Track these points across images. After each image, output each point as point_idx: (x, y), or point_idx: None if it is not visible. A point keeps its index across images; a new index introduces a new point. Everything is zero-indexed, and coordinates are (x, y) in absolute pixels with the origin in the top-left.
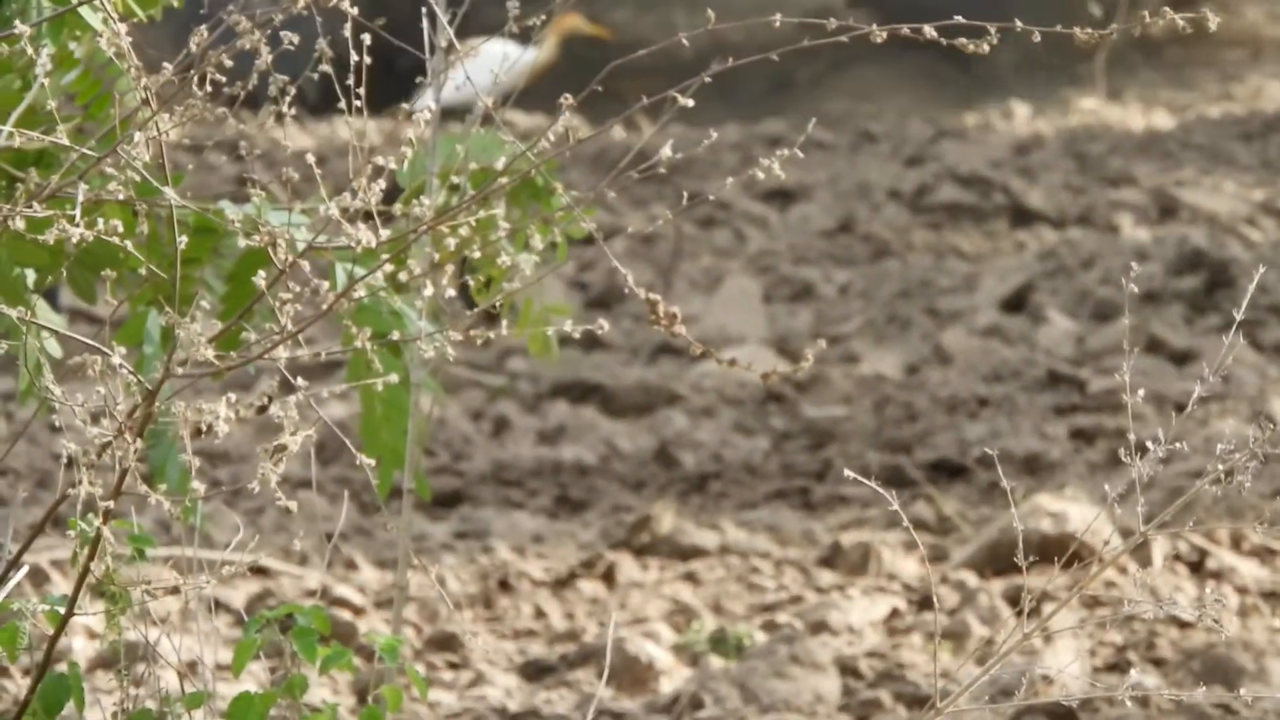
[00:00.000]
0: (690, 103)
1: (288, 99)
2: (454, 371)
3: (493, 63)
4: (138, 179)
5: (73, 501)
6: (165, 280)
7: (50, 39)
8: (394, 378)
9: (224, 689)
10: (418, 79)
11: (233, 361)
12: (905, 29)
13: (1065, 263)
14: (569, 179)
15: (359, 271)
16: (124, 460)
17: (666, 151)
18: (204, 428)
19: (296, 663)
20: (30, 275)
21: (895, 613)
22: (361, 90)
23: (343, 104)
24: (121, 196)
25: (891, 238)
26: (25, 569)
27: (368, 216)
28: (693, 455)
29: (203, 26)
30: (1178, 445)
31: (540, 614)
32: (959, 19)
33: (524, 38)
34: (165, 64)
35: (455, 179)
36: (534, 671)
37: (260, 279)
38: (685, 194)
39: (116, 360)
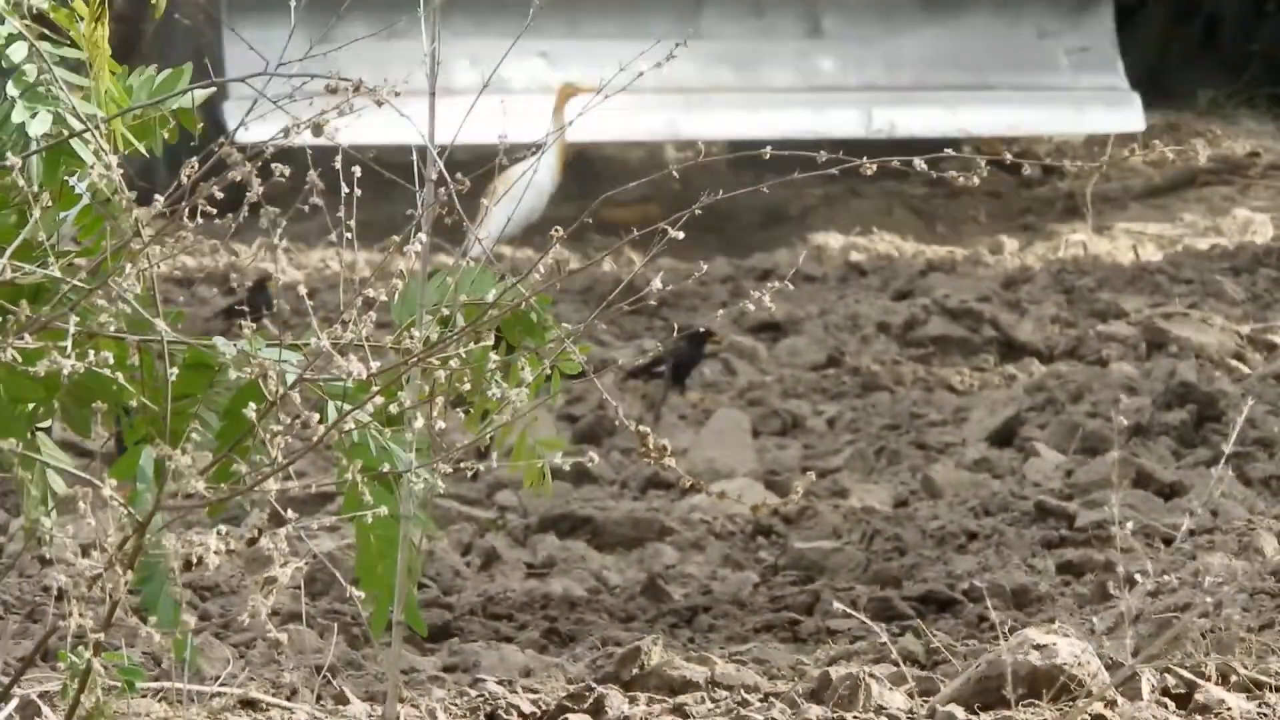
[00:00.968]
0: (680, 235)
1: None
2: (443, 504)
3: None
4: (129, 311)
5: (63, 634)
6: (158, 413)
7: (46, 179)
8: (384, 510)
9: None
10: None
11: (223, 494)
12: (895, 161)
13: (1054, 396)
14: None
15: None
16: (114, 593)
17: (657, 284)
18: (194, 560)
19: None
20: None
21: None
22: (352, 222)
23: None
24: (113, 329)
25: (881, 371)
26: (15, 701)
27: (359, 349)
28: (682, 588)
29: (193, 159)
30: (1166, 579)
31: None
32: (949, 152)
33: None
34: (157, 196)
35: (446, 311)
36: None
37: (251, 411)
38: (675, 326)
39: (107, 492)
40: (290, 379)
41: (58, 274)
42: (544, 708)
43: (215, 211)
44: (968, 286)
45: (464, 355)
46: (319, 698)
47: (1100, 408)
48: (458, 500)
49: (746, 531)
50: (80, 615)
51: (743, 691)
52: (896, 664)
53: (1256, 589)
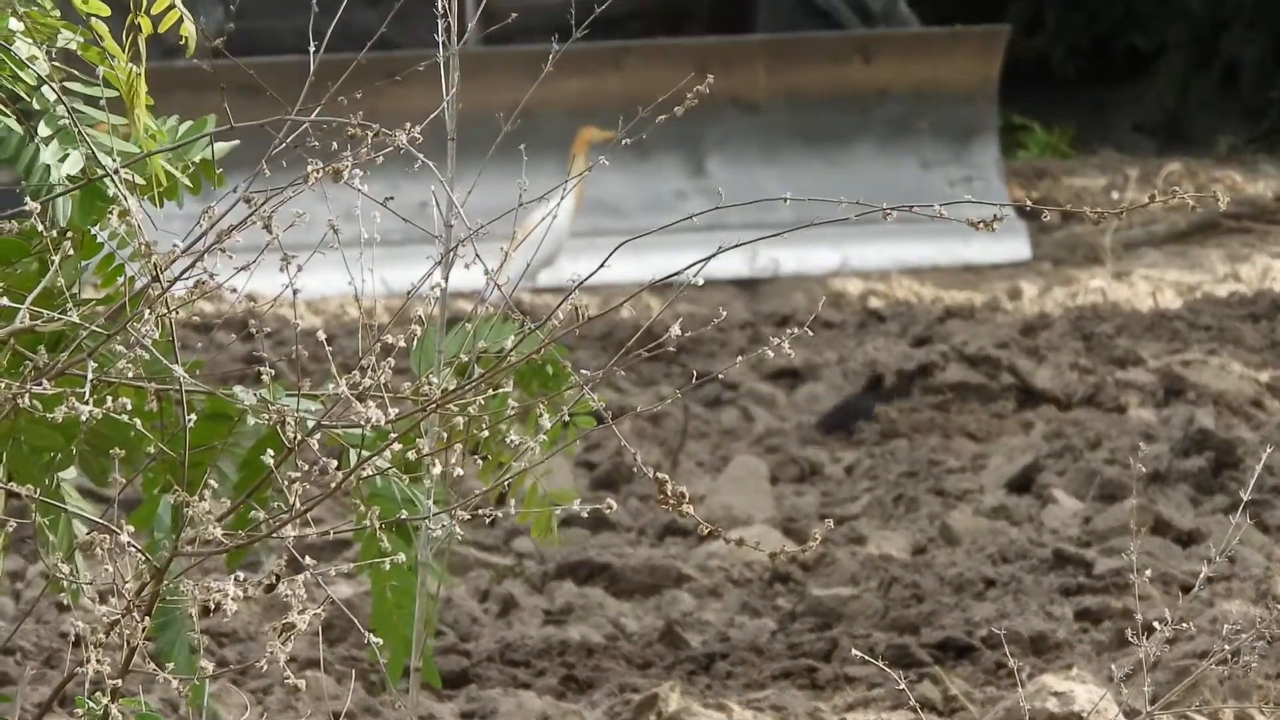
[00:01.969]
0: (700, 281)
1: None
2: (461, 551)
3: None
4: (147, 357)
5: (80, 680)
6: (176, 460)
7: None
8: (401, 558)
9: None
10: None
11: (241, 540)
12: (913, 208)
13: (1072, 443)
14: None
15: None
16: (132, 638)
17: (676, 330)
18: (212, 606)
19: None
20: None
21: None
22: (372, 268)
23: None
24: (131, 375)
25: (898, 418)
26: None
27: (377, 396)
28: (699, 635)
29: (213, 204)
30: (1184, 626)
31: None
32: (968, 197)
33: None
34: (176, 242)
35: (464, 359)
36: None
37: (269, 457)
38: (694, 373)
39: (125, 538)
40: (309, 425)
41: (77, 319)
42: None
43: (233, 257)
44: (986, 333)
45: (482, 403)
46: None
47: (1118, 455)
48: (475, 547)
49: (764, 578)
50: (98, 661)
51: None
52: (915, 711)
53: (1274, 636)
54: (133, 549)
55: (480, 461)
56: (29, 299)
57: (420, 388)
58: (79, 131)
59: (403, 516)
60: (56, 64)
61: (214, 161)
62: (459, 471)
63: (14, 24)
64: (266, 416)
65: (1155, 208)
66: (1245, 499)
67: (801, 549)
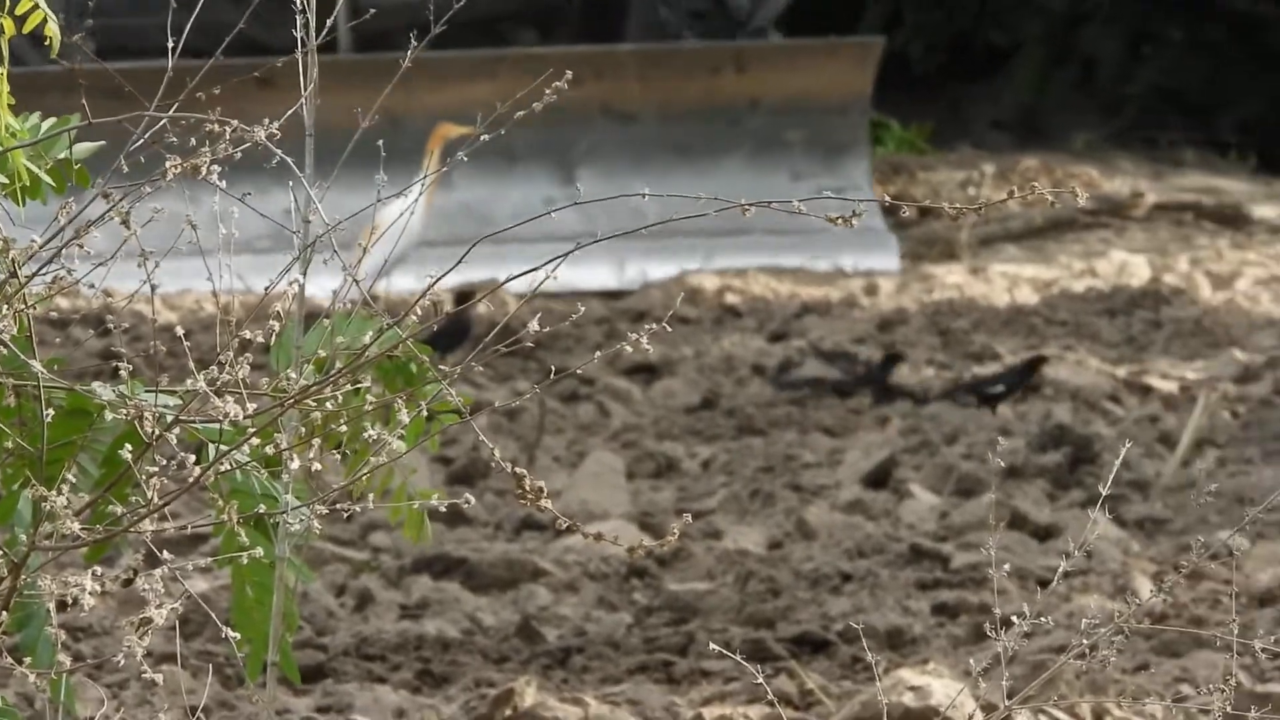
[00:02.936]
0: (557, 277)
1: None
2: (318, 546)
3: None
4: (4, 353)
5: None
6: (34, 456)
7: None
8: (259, 552)
9: None
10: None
11: (99, 535)
12: (772, 204)
13: (929, 438)
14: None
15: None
16: None
17: (534, 326)
18: (69, 601)
19: None
20: None
21: None
22: (230, 263)
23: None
24: None
25: (755, 413)
26: None
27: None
28: (556, 630)
29: (70, 199)
30: (1041, 620)
31: None
32: (827, 193)
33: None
34: (34, 237)
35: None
36: None
37: (128, 452)
38: (551, 369)
39: None
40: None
41: None
42: None
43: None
44: (843, 329)
45: (340, 398)
46: None
47: (975, 450)
48: (332, 542)
49: (621, 573)
50: None
51: None
52: (771, 705)
53: (1131, 630)
54: None
55: (340, 457)
56: None
57: (279, 383)
58: None
59: (261, 511)
60: None
61: (73, 160)
62: (317, 466)
63: None
64: (125, 412)
65: (1012, 204)
66: (1104, 493)
67: (659, 544)
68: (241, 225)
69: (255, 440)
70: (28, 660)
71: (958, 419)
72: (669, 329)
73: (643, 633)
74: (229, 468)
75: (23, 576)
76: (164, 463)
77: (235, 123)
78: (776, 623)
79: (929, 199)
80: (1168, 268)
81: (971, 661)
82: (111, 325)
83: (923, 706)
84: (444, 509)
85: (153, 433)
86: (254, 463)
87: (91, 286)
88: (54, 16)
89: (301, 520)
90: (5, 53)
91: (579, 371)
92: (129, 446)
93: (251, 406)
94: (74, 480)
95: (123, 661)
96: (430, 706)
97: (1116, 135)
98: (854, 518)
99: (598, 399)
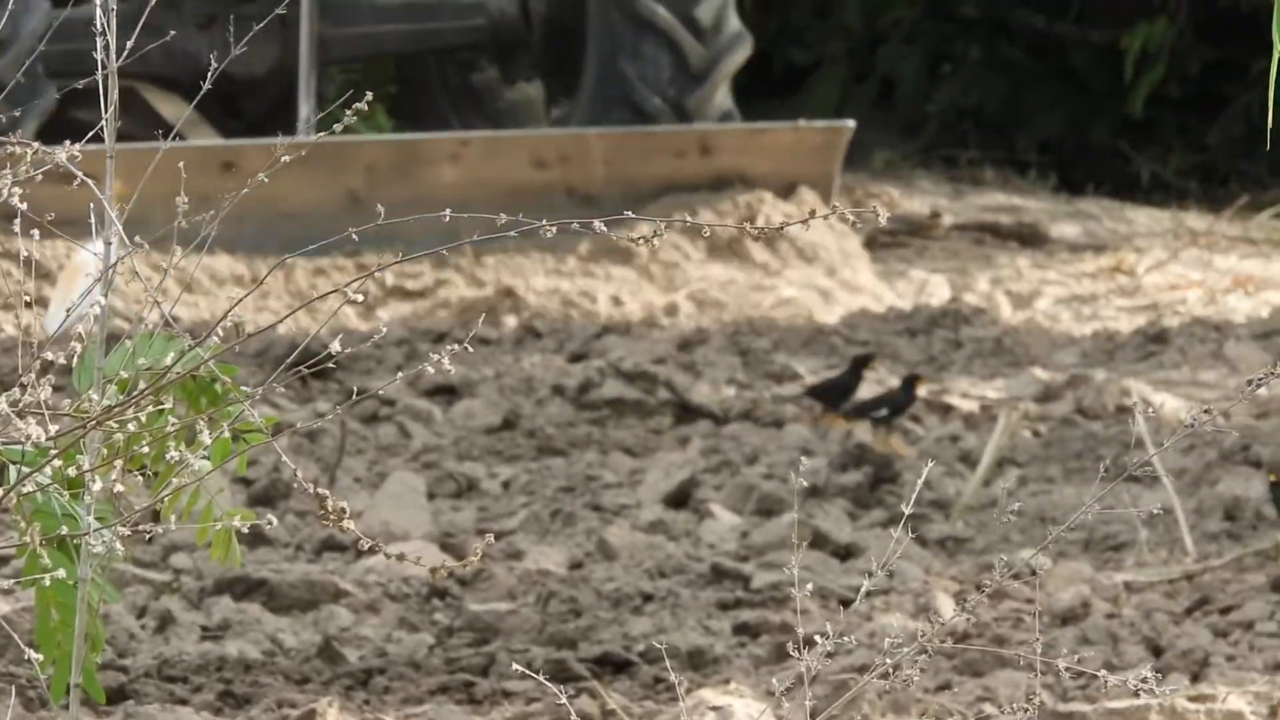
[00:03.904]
0: (360, 297)
1: None
2: (119, 567)
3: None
4: None
5: None
6: None
7: None
8: (62, 573)
9: None
10: None
11: None
12: (575, 224)
13: (729, 458)
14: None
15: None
16: None
17: (335, 347)
18: None
19: None
20: None
21: None
22: (30, 285)
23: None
24: None
25: (555, 434)
26: None
27: (37, 412)
28: (357, 651)
29: None
30: (843, 640)
31: None
32: (629, 214)
33: None
34: None
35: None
36: None
37: None
38: (352, 390)
39: None
40: None
41: None
42: None
43: None
44: (643, 349)
45: (142, 419)
46: None
47: (776, 470)
48: (133, 563)
49: (422, 594)
50: None
51: None
52: None
53: (933, 650)
54: None
55: (143, 478)
56: None
57: (81, 405)
58: None
59: (64, 533)
60: None
61: None
62: (120, 488)
63: None
64: None
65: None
66: (905, 513)
67: (460, 564)
68: (33, 237)
69: (58, 462)
70: None
71: (758, 439)
72: (470, 350)
73: (444, 653)
74: (31, 489)
75: None
76: None
77: (37, 145)
78: (578, 643)
79: (732, 219)
80: (968, 287)
81: (774, 681)
82: None
83: None
84: (246, 530)
85: None
86: (56, 484)
87: None
88: None
89: (104, 541)
90: None
91: (380, 392)
92: None
93: (54, 428)
94: None
95: None
96: None
97: (917, 154)
98: (655, 538)
99: (398, 420)
